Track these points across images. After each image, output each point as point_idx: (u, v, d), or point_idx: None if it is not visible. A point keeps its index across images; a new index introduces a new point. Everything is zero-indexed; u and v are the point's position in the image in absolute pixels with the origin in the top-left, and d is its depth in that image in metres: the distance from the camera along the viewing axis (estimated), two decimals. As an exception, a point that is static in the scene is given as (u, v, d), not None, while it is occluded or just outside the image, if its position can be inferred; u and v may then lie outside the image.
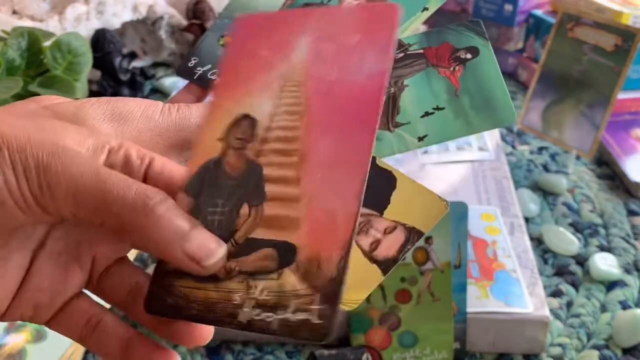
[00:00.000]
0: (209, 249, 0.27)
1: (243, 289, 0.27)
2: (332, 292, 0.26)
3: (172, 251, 0.26)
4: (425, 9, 0.38)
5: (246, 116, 0.29)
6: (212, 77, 0.40)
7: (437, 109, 0.34)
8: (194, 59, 0.41)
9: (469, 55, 0.35)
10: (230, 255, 0.28)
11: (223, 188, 0.29)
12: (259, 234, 0.28)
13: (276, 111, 0.29)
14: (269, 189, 0.28)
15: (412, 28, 0.39)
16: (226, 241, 0.28)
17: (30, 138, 0.26)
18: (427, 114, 0.34)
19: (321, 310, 0.26)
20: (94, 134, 0.28)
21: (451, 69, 0.35)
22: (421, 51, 0.36)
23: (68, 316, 0.30)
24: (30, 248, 0.29)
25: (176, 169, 0.30)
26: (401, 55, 0.36)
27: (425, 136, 0.34)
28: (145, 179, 0.29)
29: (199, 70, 0.41)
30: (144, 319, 0.30)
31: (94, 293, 0.31)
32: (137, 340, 0.30)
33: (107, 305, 0.31)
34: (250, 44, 0.31)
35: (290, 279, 0.27)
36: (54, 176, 0.25)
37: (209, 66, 0.41)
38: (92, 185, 0.26)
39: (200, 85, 0.41)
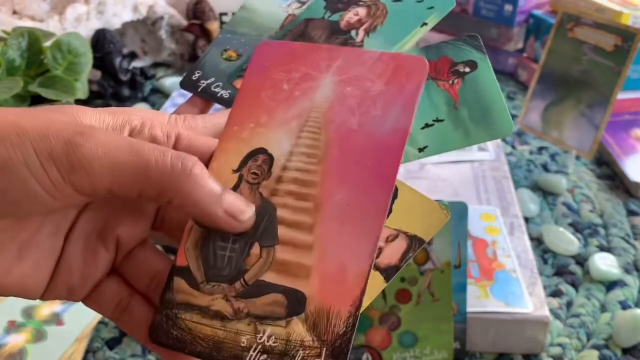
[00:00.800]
0: (241, 206, 0.28)
1: (251, 332, 0.27)
2: (339, 348, 0.26)
3: (212, 208, 0.28)
4: (425, 24, 0.39)
5: (263, 151, 0.29)
6: (216, 90, 0.41)
7: (437, 120, 0.35)
8: (198, 72, 0.42)
9: (467, 69, 0.36)
10: (238, 295, 0.28)
11: None
12: (269, 277, 0.28)
13: (294, 151, 0.29)
14: (282, 232, 0.28)
15: (411, 43, 0.39)
16: (235, 280, 0.28)
17: (49, 126, 0.26)
18: (427, 125, 0.35)
19: None
20: (112, 113, 0.30)
21: (450, 82, 0.36)
22: None
23: (101, 296, 0.31)
24: (62, 233, 0.30)
25: (203, 142, 0.31)
26: None
27: (425, 147, 0.35)
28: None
29: (203, 83, 0.41)
30: None
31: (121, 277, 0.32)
32: None
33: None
34: (271, 73, 0.31)
35: (298, 329, 0.27)
36: (86, 154, 0.26)
37: (212, 79, 0.41)
38: (128, 157, 0.26)
39: (204, 98, 0.41)
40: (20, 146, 0.25)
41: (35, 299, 0.30)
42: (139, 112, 0.31)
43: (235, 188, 0.29)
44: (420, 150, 0.35)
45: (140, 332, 0.31)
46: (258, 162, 0.29)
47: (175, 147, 0.30)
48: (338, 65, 0.30)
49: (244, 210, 0.28)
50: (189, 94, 0.42)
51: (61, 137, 0.26)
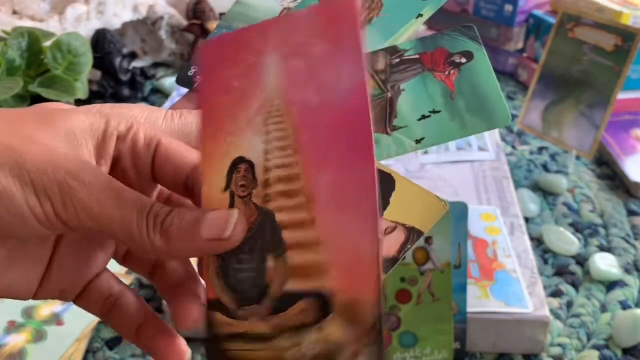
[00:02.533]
0: (222, 222, 0.28)
1: (292, 345, 0.27)
2: (376, 333, 0.26)
3: (195, 247, 0.28)
4: (420, 15, 0.39)
5: (241, 159, 0.28)
6: None
7: (434, 112, 0.35)
8: (194, 68, 0.42)
9: (463, 60, 0.35)
10: (270, 312, 0.27)
11: (243, 242, 0.28)
12: (292, 285, 0.27)
13: (267, 148, 0.28)
14: (287, 235, 0.28)
15: (407, 34, 0.39)
16: (262, 298, 0.28)
17: (49, 160, 0.27)
18: (423, 117, 0.35)
19: (370, 352, 0.26)
20: (104, 119, 0.30)
21: (446, 72, 0.35)
22: (417, 56, 0.36)
23: (89, 294, 0.32)
24: (51, 240, 0.30)
25: (180, 156, 0.30)
26: (397, 60, 0.36)
27: (422, 139, 0.35)
28: (153, 164, 0.30)
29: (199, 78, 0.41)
30: (164, 292, 0.32)
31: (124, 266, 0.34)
32: (149, 322, 0.32)
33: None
34: (220, 75, 0.28)
35: (333, 329, 0.27)
36: (78, 200, 0.27)
37: None
38: (114, 212, 0.27)
39: None
40: (20, 177, 0.26)
41: (25, 300, 0.31)
42: (132, 111, 0.31)
43: (231, 207, 0.28)
44: (417, 141, 0.35)
45: (127, 327, 0.31)
46: (241, 172, 0.28)
47: (155, 155, 0.30)
48: (274, 39, 0.27)
49: (226, 220, 0.28)
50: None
51: (58, 177, 0.26)
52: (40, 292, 0.30)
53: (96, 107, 0.32)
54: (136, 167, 0.30)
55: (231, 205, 0.28)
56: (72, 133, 0.28)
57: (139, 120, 0.31)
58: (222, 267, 0.28)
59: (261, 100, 0.28)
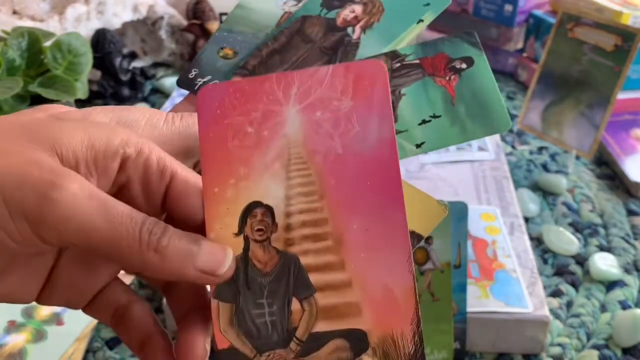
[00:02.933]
0: (218, 259, 0.27)
1: None
2: None
3: (185, 274, 0.27)
4: (421, 20, 0.39)
5: (258, 204, 0.28)
6: None
7: (434, 116, 0.35)
8: (195, 71, 0.42)
9: (464, 65, 0.36)
10: (298, 355, 0.27)
11: (261, 287, 0.28)
12: (321, 326, 0.27)
13: (289, 194, 0.28)
14: (315, 278, 0.27)
15: (407, 40, 0.39)
16: (287, 341, 0.27)
17: (26, 173, 0.25)
18: (424, 121, 0.35)
19: None
20: (108, 134, 0.28)
21: (447, 78, 0.35)
22: (417, 61, 0.36)
23: (98, 305, 0.31)
24: (52, 251, 0.29)
25: (199, 189, 0.29)
26: (398, 65, 0.36)
27: (422, 143, 0.35)
28: (165, 195, 0.29)
29: (200, 81, 0.41)
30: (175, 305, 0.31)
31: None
32: (155, 339, 0.31)
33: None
34: (228, 119, 0.28)
35: None
36: (60, 214, 0.25)
37: (209, 77, 0.41)
38: (100, 225, 0.25)
39: None
40: None
41: (27, 304, 0.30)
42: (133, 114, 0.30)
43: (245, 252, 0.28)
44: (418, 146, 0.35)
45: (134, 340, 0.31)
46: (257, 217, 0.28)
47: (169, 188, 0.29)
48: (295, 92, 0.28)
49: (222, 259, 0.27)
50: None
51: (36, 190, 0.24)
52: (43, 300, 0.30)
53: (97, 109, 0.31)
54: (146, 196, 0.29)
55: (246, 251, 0.28)
56: (59, 146, 0.26)
57: (141, 123, 0.30)
58: (237, 314, 0.28)
59: (280, 148, 0.28)
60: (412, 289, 0.27)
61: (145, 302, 0.32)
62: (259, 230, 0.28)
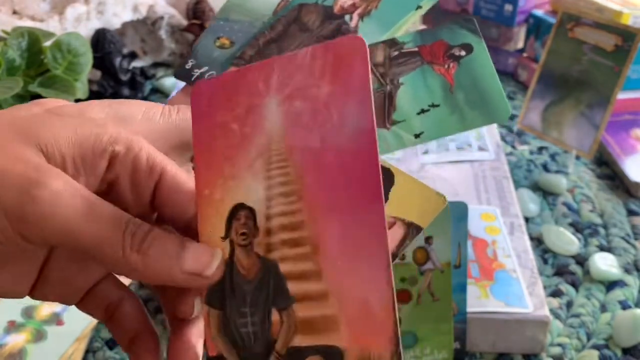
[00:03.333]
0: (205, 260, 0.27)
1: None
2: None
3: (172, 277, 0.26)
4: (419, 7, 0.39)
5: (242, 206, 0.27)
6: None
7: (433, 105, 0.34)
8: (191, 61, 0.41)
9: (463, 53, 0.35)
10: None
11: (245, 294, 0.27)
12: (300, 340, 0.26)
13: (270, 194, 0.26)
14: (293, 287, 0.26)
15: (406, 27, 0.39)
16: (268, 354, 0.26)
17: (8, 169, 0.24)
18: (422, 111, 0.34)
19: None
20: (97, 133, 0.27)
21: (446, 66, 0.35)
22: (416, 49, 0.36)
23: (90, 301, 0.31)
24: (44, 247, 0.29)
25: (188, 190, 0.29)
26: (396, 53, 0.36)
27: (421, 133, 0.34)
28: (154, 193, 0.29)
29: (196, 72, 0.41)
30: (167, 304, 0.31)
31: None
32: (144, 338, 0.31)
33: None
34: (216, 117, 0.27)
35: None
36: (41, 212, 0.24)
37: (206, 68, 0.41)
38: (83, 225, 0.25)
39: None
40: None
41: (18, 298, 0.29)
42: (130, 108, 0.30)
43: (231, 257, 0.27)
44: (416, 136, 0.34)
45: (123, 337, 0.31)
46: (241, 220, 0.27)
47: (158, 185, 0.28)
48: (275, 80, 0.26)
49: (209, 261, 0.27)
50: None
51: (19, 187, 0.24)
52: (36, 295, 0.29)
53: (94, 103, 0.31)
54: (135, 194, 0.29)
55: (232, 256, 0.27)
56: (45, 144, 0.26)
57: (137, 117, 0.30)
58: (224, 322, 0.27)
59: (262, 144, 0.26)
60: (391, 303, 0.24)
61: (137, 299, 0.32)
62: (242, 234, 0.27)
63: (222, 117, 0.27)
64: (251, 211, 0.26)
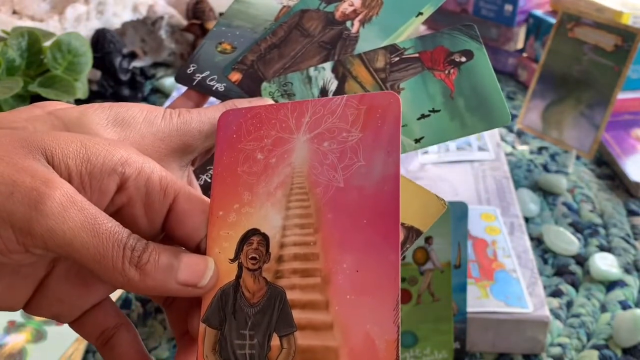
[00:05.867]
0: (199, 270, 0.27)
1: None
2: None
3: (167, 288, 0.27)
4: (420, 13, 0.39)
5: (255, 232, 0.28)
6: (211, 84, 0.41)
7: (433, 111, 0.35)
8: (193, 66, 0.42)
9: (463, 59, 0.35)
10: None
11: (247, 317, 0.27)
12: None
13: (286, 224, 0.27)
14: (298, 315, 0.26)
15: (407, 33, 0.39)
16: None
17: (17, 182, 0.24)
18: (423, 116, 0.35)
19: None
20: (107, 151, 0.27)
21: (446, 72, 0.35)
22: (416, 55, 0.36)
23: (85, 324, 0.30)
24: (45, 262, 0.28)
25: (200, 214, 0.29)
26: (397, 59, 0.36)
27: (421, 138, 0.34)
28: (167, 216, 0.29)
29: (198, 76, 0.41)
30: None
31: None
32: None
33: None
34: (242, 145, 0.29)
35: None
36: (48, 227, 0.24)
37: (207, 73, 0.41)
38: (88, 241, 0.25)
39: (199, 92, 0.41)
40: None
41: (12, 312, 0.29)
42: (131, 111, 0.30)
43: (237, 279, 0.27)
44: (417, 141, 0.34)
45: None
46: (253, 245, 0.27)
47: (171, 208, 0.28)
48: (307, 120, 0.28)
49: (203, 271, 0.27)
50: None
51: (26, 201, 0.24)
52: (31, 309, 0.29)
53: (95, 105, 0.31)
54: (149, 217, 0.29)
55: (238, 278, 0.27)
56: (52, 155, 0.26)
57: (139, 120, 0.30)
58: (220, 341, 0.27)
59: (285, 176, 0.28)
60: (395, 343, 0.25)
61: (134, 329, 0.31)
62: (252, 258, 0.27)
63: (248, 145, 0.29)
64: (264, 237, 0.27)
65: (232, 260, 0.28)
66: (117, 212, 0.28)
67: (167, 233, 0.29)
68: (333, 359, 0.25)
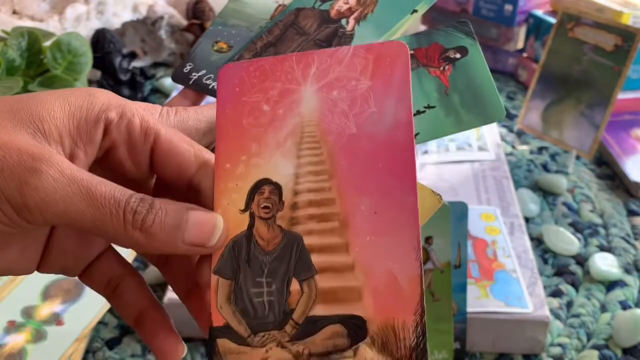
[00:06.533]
0: (208, 231, 0.27)
1: None
2: (419, 354, 0.25)
3: (175, 249, 0.27)
4: (415, 11, 0.39)
5: (266, 181, 0.28)
6: (207, 82, 0.41)
7: (428, 107, 0.35)
8: (189, 65, 0.42)
9: (458, 55, 0.35)
10: (293, 338, 0.26)
11: (262, 265, 0.27)
12: (319, 310, 0.26)
13: (299, 172, 0.27)
14: (317, 259, 0.27)
15: (402, 30, 0.39)
16: (283, 323, 0.26)
17: (4, 157, 0.25)
18: (418, 112, 0.35)
19: None
20: (89, 101, 0.28)
21: (441, 68, 0.35)
22: (411, 52, 0.36)
23: (92, 274, 0.31)
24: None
25: (185, 149, 0.29)
26: None
27: (417, 134, 0.35)
28: (152, 157, 0.29)
29: (194, 75, 0.41)
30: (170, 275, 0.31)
31: None
32: (149, 313, 0.31)
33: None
34: (245, 97, 0.29)
35: (368, 354, 0.25)
36: (41, 199, 0.25)
37: (204, 71, 0.41)
38: (83, 207, 0.25)
39: (196, 90, 0.41)
40: None
41: (27, 275, 0.30)
42: (121, 102, 0.30)
43: (250, 228, 0.27)
44: None
45: (128, 313, 0.31)
46: (265, 194, 0.27)
47: (154, 148, 0.29)
48: (314, 71, 0.28)
49: (211, 230, 0.27)
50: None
51: (16, 176, 0.24)
52: (41, 268, 0.30)
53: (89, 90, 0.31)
54: (133, 159, 0.29)
55: (250, 227, 0.27)
56: (40, 121, 0.26)
57: (132, 107, 0.30)
58: (235, 291, 0.27)
59: (294, 125, 0.28)
60: (418, 278, 0.25)
61: (139, 276, 0.32)
62: (265, 207, 0.27)
63: (253, 97, 0.29)
64: (276, 186, 0.28)
65: (243, 211, 0.28)
66: (103, 157, 0.29)
67: (158, 175, 0.30)
68: (356, 298, 0.26)
